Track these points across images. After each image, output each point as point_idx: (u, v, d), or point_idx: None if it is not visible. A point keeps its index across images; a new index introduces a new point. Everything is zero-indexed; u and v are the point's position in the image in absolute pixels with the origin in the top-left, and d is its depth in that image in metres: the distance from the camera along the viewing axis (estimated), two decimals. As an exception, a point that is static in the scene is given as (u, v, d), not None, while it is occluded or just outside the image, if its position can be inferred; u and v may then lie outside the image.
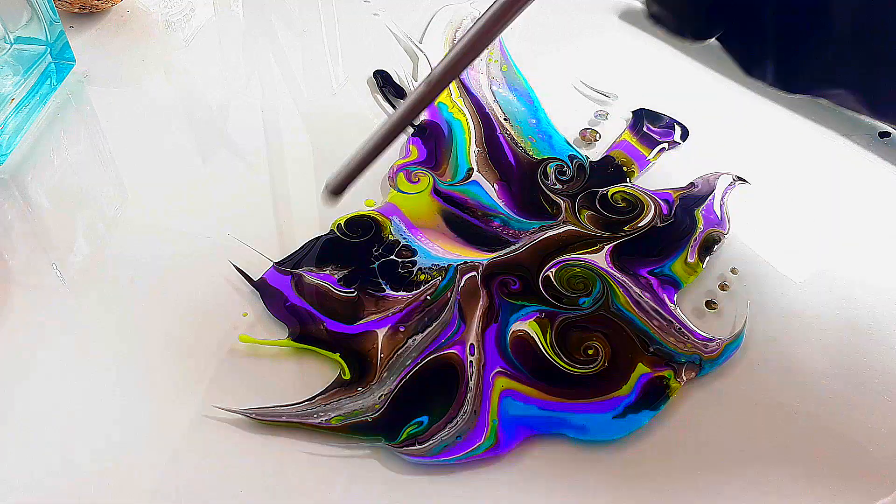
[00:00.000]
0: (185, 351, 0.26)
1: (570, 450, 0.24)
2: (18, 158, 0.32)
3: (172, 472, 0.23)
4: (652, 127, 0.34)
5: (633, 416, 0.24)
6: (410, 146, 0.33)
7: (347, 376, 0.25)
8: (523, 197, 0.31)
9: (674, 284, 0.28)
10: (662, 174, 0.32)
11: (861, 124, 0.34)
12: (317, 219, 0.30)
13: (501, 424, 0.24)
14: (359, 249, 0.29)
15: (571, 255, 0.29)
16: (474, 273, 0.28)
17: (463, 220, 0.30)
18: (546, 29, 0.39)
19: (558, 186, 0.31)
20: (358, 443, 0.24)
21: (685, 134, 0.34)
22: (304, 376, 0.25)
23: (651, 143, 0.33)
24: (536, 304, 0.27)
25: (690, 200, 0.31)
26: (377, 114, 0.35)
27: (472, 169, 0.32)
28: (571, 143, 0.33)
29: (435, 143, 0.33)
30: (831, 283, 0.28)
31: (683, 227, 0.30)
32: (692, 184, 0.32)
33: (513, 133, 0.34)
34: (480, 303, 0.27)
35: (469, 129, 0.34)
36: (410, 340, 0.26)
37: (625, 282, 0.28)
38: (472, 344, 0.26)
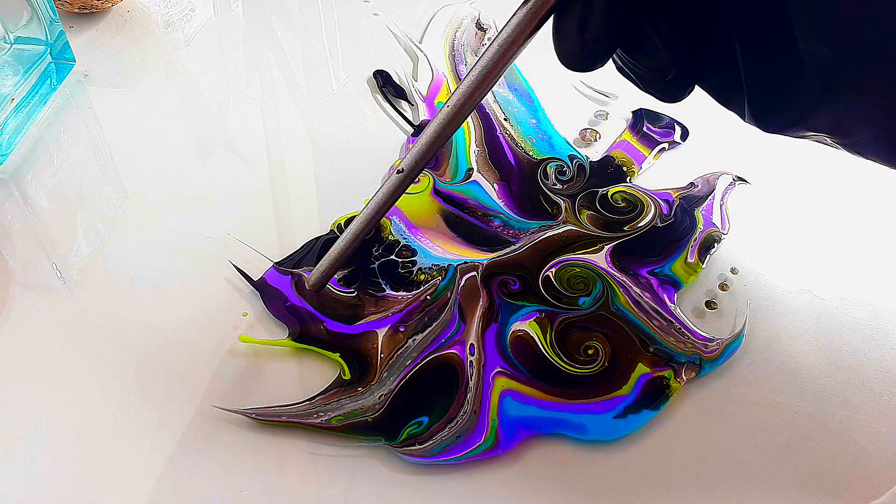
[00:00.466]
0: (185, 351, 0.26)
1: (570, 450, 0.24)
2: (18, 158, 0.32)
3: (172, 472, 0.23)
4: (652, 127, 0.34)
5: (633, 416, 0.24)
6: (410, 146, 0.33)
7: (347, 376, 0.25)
8: (523, 197, 0.31)
9: (674, 284, 0.28)
10: (662, 174, 0.32)
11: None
12: (317, 219, 0.30)
13: (501, 424, 0.24)
14: (359, 250, 0.29)
15: (571, 255, 0.29)
16: (474, 273, 0.28)
17: (463, 220, 0.30)
18: (546, 29, 0.39)
19: (558, 186, 0.31)
20: (358, 443, 0.24)
21: (685, 134, 0.34)
22: (304, 376, 0.25)
23: (651, 143, 0.33)
24: (536, 304, 0.27)
25: (690, 200, 0.31)
26: (377, 114, 0.35)
27: (472, 169, 0.32)
28: (571, 143, 0.33)
29: (435, 143, 0.33)
30: (831, 282, 0.28)
31: (683, 227, 0.30)
32: (692, 184, 0.32)
33: (513, 133, 0.34)
34: (480, 303, 0.27)
35: (469, 129, 0.34)
36: (410, 340, 0.26)
37: (625, 282, 0.28)
38: (472, 344, 0.26)
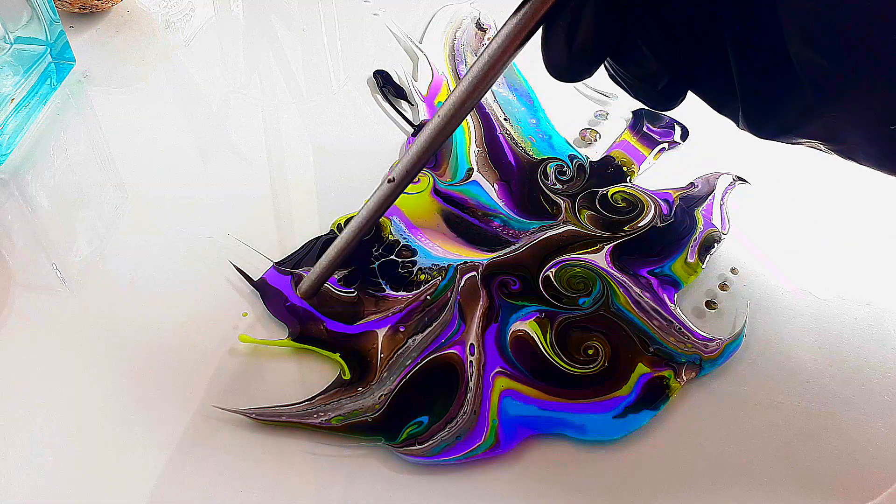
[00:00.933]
0: (185, 351, 0.26)
1: (570, 450, 0.24)
2: (18, 158, 0.32)
3: (172, 472, 0.23)
4: (652, 127, 0.34)
5: (633, 416, 0.24)
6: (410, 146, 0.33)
7: (347, 376, 0.25)
8: (523, 197, 0.31)
9: (674, 284, 0.28)
10: (662, 174, 0.32)
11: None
12: (317, 219, 0.30)
13: (501, 424, 0.24)
14: (359, 249, 0.29)
15: (571, 255, 0.29)
16: (474, 273, 0.28)
17: (463, 220, 0.30)
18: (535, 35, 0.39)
19: (558, 186, 0.31)
20: (358, 443, 0.24)
21: (685, 134, 0.34)
22: (304, 376, 0.25)
23: (651, 143, 0.33)
24: (536, 304, 0.27)
25: (690, 200, 0.31)
26: (377, 114, 0.35)
27: (472, 169, 0.32)
28: (571, 143, 0.33)
29: (435, 143, 0.33)
30: (831, 283, 0.28)
31: (683, 227, 0.30)
32: (692, 184, 0.32)
33: (513, 133, 0.34)
34: (480, 303, 0.27)
35: (469, 129, 0.34)
36: (410, 340, 0.26)
37: (625, 282, 0.28)
38: (472, 344, 0.26)
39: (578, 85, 0.36)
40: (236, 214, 0.30)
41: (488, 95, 0.35)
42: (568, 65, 0.21)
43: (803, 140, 0.21)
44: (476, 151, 0.33)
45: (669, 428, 0.24)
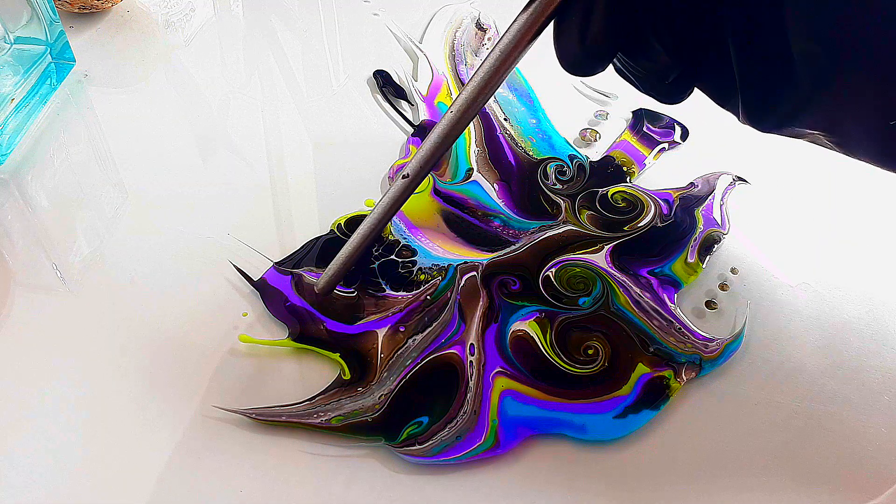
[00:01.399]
0: (185, 351, 0.26)
1: (570, 450, 0.24)
2: (18, 158, 0.32)
3: (173, 472, 0.23)
4: (652, 127, 0.34)
5: (633, 416, 0.24)
6: (410, 146, 0.33)
7: (347, 376, 0.25)
8: (523, 197, 0.31)
9: (674, 284, 0.28)
10: (662, 174, 0.32)
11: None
12: (317, 219, 0.30)
13: (501, 424, 0.24)
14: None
15: (571, 255, 0.29)
16: (474, 273, 0.28)
17: (463, 220, 0.30)
18: (546, 29, 0.39)
19: (558, 186, 0.31)
20: (358, 443, 0.24)
21: (685, 134, 0.34)
22: (304, 376, 0.25)
23: (651, 143, 0.33)
24: (536, 304, 0.27)
25: (690, 200, 0.31)
26: (377, 114, 0.35)
27: (472, 169, 0.32)
28: (571, 143, 0.33)
29: (435, 143, 0.33)
30: (831, 282, 0.28)
31: (683, 227, 0.30)
32: (692, 184, 0.32)
33: (513, 133, 0.34)
34: (480, 303, 0.27)
35: (469, 129, 0.34)
36: (410, 340, 0.26)
37: (625, 282, 0.28)
38: (472, 344, 0.26)
39: (578, 85, 0.36)
40: (236, 214, 0.30)
41: (488, 95, 0.35)
42: (581, 59, 0.21)
43: (805, 132, 0.21)
44: (476, 151, 0.33)
45: (669, 428, 0.24)
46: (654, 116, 0.34)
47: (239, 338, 0.26)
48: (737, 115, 0.22)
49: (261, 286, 0.27)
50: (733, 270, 0.29)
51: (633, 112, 0.35)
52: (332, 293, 0.27)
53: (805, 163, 0.32)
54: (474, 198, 0.31)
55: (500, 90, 0.36)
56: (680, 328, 0.26)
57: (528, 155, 0.33)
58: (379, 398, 0.24)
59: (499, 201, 0.31)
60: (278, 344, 0.26)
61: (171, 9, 0.40)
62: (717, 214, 0.30)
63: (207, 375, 0.25)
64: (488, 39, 0.39)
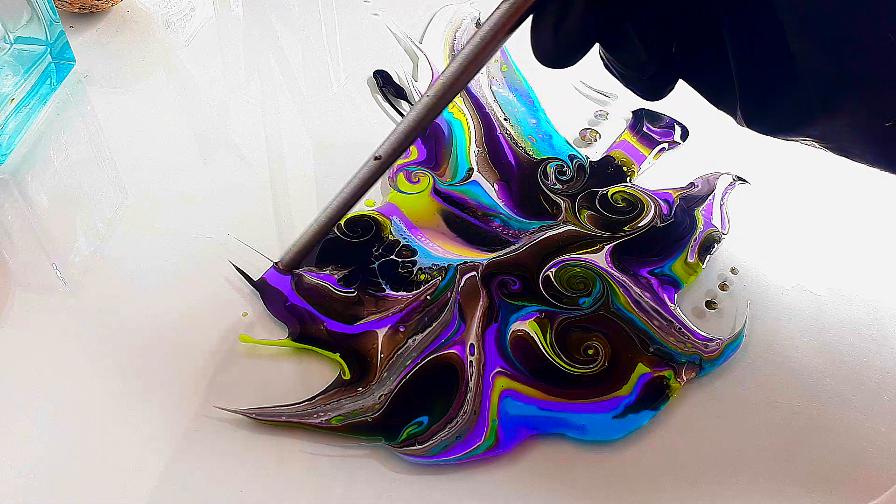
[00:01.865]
0: (185, 351, 0.26)
1: (570, 450, 0.24)
2: (18, 158, 0.32)
3: (172, 472, 0.23)
4: (652, 127, 0.34)
5: (633, 416, 0.24)
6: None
7: (347, 376, 0.25)
8: (523, 197, 0.31)
9: (674, 284, 0.28)
10: (662, 174, 0.32)
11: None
12: (317, 219, 0.30)
13: (501, 424, 0.24)
14: (359, 249, 0.29)
15: (571, 255, 0.29)
16: (474, 273, 0.28)
17: (463, 220, 0.30)
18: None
19: (558, 186, 0.31)
20: (358, 443, 0.24)
21: (685, 134, 0.34)
22: (304, 376, 0.25)
23: (651, 143, 0.33)
24: (536, 304, 0.27)
25: (690, 200, 0.31)
26: (377, 114, 0.35)
27: (472, 169, 0.32)
28: (571, 143, 0.33)
29: (435, 142, 0.33)
30: (831, 282, 0.28)
31: (683, 227, 0.30)
32: (692, 184, 0.32)
33: (513, 133, 0.34)
34: (480, 303, 0.27)
35: (469, 128, 0.34)
36: (410, 340, 0.26)
37: (625, 282, 0.28)
38: (472, 344, 0.26)
39: (578, 85, 0.36)
40: (236, 214, 0.30)
41: (488, 95, 0.35)
42: (554, 50, 0.21)
43: (798, 138, 0.21)
44: (476, 151, 0.33)
45: (669, 428, 0.24)
46: (654, 116, 0.35)
47: (239, 338, 0.26)
48: (734, 116, 0.22)
49: (261, 286, 0.27)
50: (733, 270, 0.29)
51: (633, 112, 0.35)
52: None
53: (805, 163, 0.32)
54: (474, 198, 0.31)
55: (500, 90, 0.36)
56: (680, 328, 0.26)
57: (528, 155, 0.33)
58: (379, 398, 0.24)
59: (499, 201, 0.31)
60: (278, 344, 0.26)
61: (171, 9, 0.40)
62: (716, 214, 0.30)
63: (207, 375, 0.25)
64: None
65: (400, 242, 0.29)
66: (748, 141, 0.32)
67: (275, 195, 0.31)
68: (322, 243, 0.29)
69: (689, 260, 0.29)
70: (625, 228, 0.30)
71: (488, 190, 0.31)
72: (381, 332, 0.26)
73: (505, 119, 0.34)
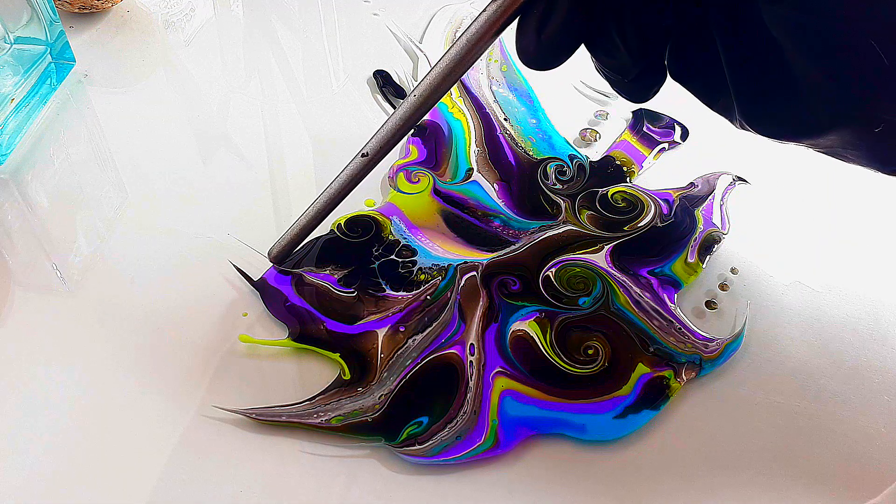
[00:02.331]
0: (184, 351, 0.26)
1: (570, 450, 0.24)
2: (18, 158, 0.32)
3: (172, 472, 0.23)
4: (652, 127, 0.34)
5: (633, 416, 0.24)
6: (410, 146, 0.33)
7: (347, 376, 0.25)
8: (523, 197, 0.31)
9: (674, 284, 0.28)
10: (662, 174, 0.32)
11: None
12: (317, 219, 0.30)
13: (501, 424, 0.24)
14: (359, 249, 0.29)
15: (571, 255, 0.29)
16: (474, 273, 0.28)
17: (463, 220, 0.30)
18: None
19: (558, 186, 0.31)
20: (358, 443, 0.24)
21: (685, 134, 0.34)
22: (304, 376, 0.25)
23: (651, 143, 0.33)
24: (536, 304, 0.27)
25: (690, 200, 0.31)
26: (377, 113, 0.35)
27: (472, 169, 0.32)
28: (571, 143, 0.33)
29: (435, 143, 0.33)
30: (831, 282, 0.28)
31: (683, 227, 0.30)
32: (692, 184, 0.32)
33: (513, 133, 0.34)
34: (480, 303, 0.27)
35: (469, 128, 0.34)
36: (410, 340, 0.26)
37: (625, 282, 0.28)
38: (472, 344, 0.26)
39: (578, 85, 0.36)
40: (237, 214, 0.30)
41: (488, 95, 0.35)
42: (536, 53, 0.21)
43: (797, 140, 0.21)
44: (476, 151, 0.33)
45: (669, 428, 0.24)
46: (654, 116, 0.35)
47: (239, 338, 0.26)
48: (728, 118, 0.22)
49: (261, 286, 0.27)
50: (733, 270, 0.29)
51: (633, 112, 0.35)
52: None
53: (805, 163, 0.32)
54: (474, 198, 0.31)
55: (500, 90, 0.36)
56: (680, 328, 0.26)
57: (528, 155, 0.33)
58: (379, 398, 0.24)
59: (499, 201, 0.31)
60: (278, 344, 0.26)
61: (171, 9, 0.40)
62: (716, 214, 0.30)
63: (207, 375, 0.25)
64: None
65: (400, 242, 0.29)
66: (748, 141, 0.32)
67: (275, 195, 0.31)
68: (322, 243, 0.29)
69: (689, 260, 0.29)
70: (625, 228, 0.30)
71: (488, 190, 0.31)
72: (381, 332, 0.26)
73: (505, 119, 0.34)
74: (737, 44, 0.19)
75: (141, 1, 0.41)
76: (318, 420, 0.24)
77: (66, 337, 0.26)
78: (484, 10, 0.21)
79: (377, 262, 0.28)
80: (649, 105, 0.35)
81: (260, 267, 0.28)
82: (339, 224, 0.30)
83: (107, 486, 0.23)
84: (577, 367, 0.25)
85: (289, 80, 0.37)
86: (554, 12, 0.20)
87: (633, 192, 0.31)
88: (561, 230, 0.30)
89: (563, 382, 0.25)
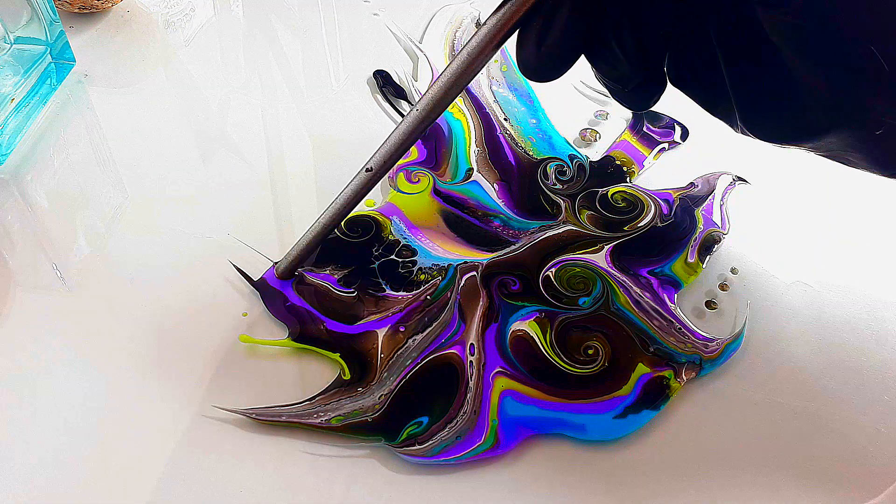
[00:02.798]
0: (185, 351, 0.26)
1: (570, 450, 0.24)
2: (18, 158, 0.32)
3: (172, 472, 0.23)
4: (652, 127, 0.34)
5: (633, 416, 0.24)
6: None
7: (347, 376, 0.25)
8: (523, 197, 0.31)
9: (674, 284, 0.28)
10: (662, 174, 0.32)
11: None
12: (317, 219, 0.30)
13: (501, 424, 0.24)
14: (359, 249, 0.29)
15: (571, 255, 0.29)
16: (474, 273, 0.28)
17: (463, 220, 0.30)
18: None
19: (558, 186, 0.31)
20: (358, 443, 0.24)
21: (685, 134, 0.34)
22: (304, 376, 0.25)
23: (651, 143, 0.33)
24: (536, 304, 0.27)
25: (690, 200, 0.31)
26: (377, 114, 0.35)
27: (472, 169, 0.32)
28: (571, 143, 0.33)
29: (435, 142, 0.33)
30: (831, 282, 0.28)
31: (683, 227, 0.30)
32: (692, 184, 0.32)
33: (513, 133, 0.34)
34: (480, 303, 0.27)
35: (469, 128, 0.34)
36: (410, 340, 0.26)
37: (625, 282, 0.28)
38: (472, 344, 0.26)
39: (578, 85, 0.36)
40: (236, 214, 0.30)
41: (488, 95, 0.35)
42: (536, 64, 0.21)
43: (797, 144, 0.21)
44: (476, 151, 0.33)
45: (669, 428, 0.24)
46: (654, 116, 0.35)
47: (239, 338, 0.26)
48: (730, 124, 0.22)
49: (261, 286, 0.27)
50: (733, 270, 0.29)
51: (634, 112, 0.35)
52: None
53: (805, 163, 0.32)
54: (474, 198, 0.31)
55: (500, 90, 0.36)
56: (680, 328, 0.26)
57: (528, 155, 0.33)
58: (379, 398, 0.24)
59: (499, 201, 0.31)
60: (278, 344, 0.26)
61: (171, 9, 0.40)
62: (716, 214, 0.30)
63: (207, 375, 0.25)
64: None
65: (400, 242, 0.29)
66: (748, 141, 0.32)
67: (275, 195, 0.31)
68: (322, 244, 0.29)
69: (689, 260, 0.29)
70: (625, 228, 0.30)
71: (488, 190, 0.31)
72: (381, 332, 0.26)
73: (505, 119, 0.34)
74: (736, 50, 0.19)
75: (141, 1, 0.41)
76: (318, 420, 0.24)
77: (66, 337, 0.26)
78: (484, 24, 0.21)
79: (377, 262, 0.28)
80: (649, 105, 0.35)
81: (260, 267, 0.28)
82: (340, 224, 0.29)
83: (107, 485, 0.23)
84: (577, 367, 0.25)
85: (289, 80, 0.37)
86: (553, 25, 0.20)
87: (633, 192, 0.31)
88: (561, 230, 0.30)
89: (563, 382, 0.25)
